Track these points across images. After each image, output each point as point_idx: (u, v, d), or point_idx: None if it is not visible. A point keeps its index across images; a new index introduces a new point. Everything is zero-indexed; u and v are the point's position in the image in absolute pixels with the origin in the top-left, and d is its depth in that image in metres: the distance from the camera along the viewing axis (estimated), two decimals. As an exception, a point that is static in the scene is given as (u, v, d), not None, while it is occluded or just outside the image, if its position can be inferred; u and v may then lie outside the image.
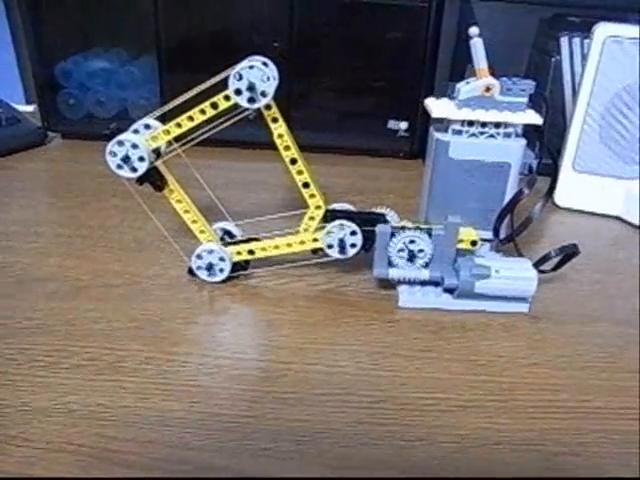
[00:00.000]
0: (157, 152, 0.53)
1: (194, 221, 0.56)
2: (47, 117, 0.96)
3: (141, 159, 0.51)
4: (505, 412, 0.43)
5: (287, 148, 0.53)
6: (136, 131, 0.53)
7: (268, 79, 0.49)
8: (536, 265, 0.56)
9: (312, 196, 0.55)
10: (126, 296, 0.54)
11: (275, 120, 0.52)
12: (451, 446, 0.40)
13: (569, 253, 0.57)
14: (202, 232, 0.56)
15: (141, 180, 0.53)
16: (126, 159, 0.51)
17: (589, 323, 0.54)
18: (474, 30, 0.53)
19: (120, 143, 0.51)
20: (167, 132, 0.52)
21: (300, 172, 0.54)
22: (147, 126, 0.53)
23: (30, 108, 1.03)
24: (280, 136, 0.52)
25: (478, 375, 0.47)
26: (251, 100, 0.50)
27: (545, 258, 0.58)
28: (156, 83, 0.93)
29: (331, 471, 0.37)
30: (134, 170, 0.51)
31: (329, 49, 0.91)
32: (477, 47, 0.53)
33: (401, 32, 0.89)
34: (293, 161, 0.53)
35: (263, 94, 0.49)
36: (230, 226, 0.60)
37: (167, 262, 0.60)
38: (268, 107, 0.51)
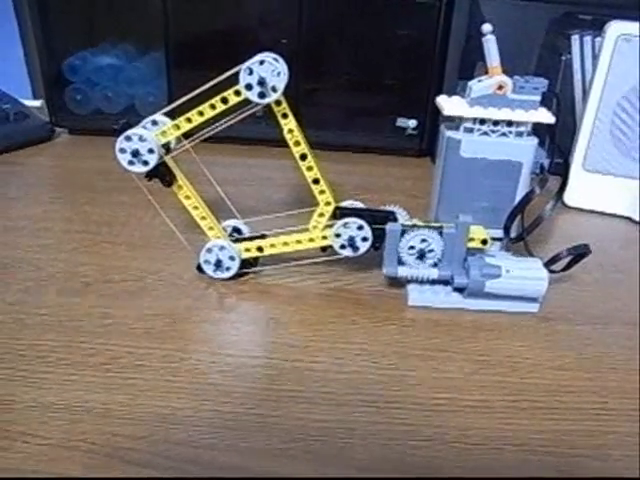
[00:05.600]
0: (167, 147, 0.53)
1: (203, 217, 0.55)
2: (54, 112, 0.96)
3: (151, 152, 0.51)
4: (517, 413, 0.43)
5: (297, 144, 0.52)
6: (150, 124, 0.53)
7: (279, 74, 0.49)
8: (547, 265, 0.55)
9: (322, 192, 0.55)
10: (134, 293, 0.54)
11: (285, 116, 0.52)
12: (462, 447, 0.39)
13: (580, 253, 0.57)
14: (211, 229, 0.56)
15: (150, 175, 0.53)
16: (136, 153, 0.51)
17: (600, 324, 0.54)
18: (487, 27, 0.52)
19: (129, 138, 0.50)
20: (177, 127, 0.52)
21: (310, 168, 0.53)
22: (156, 122, 0.53)
23: (37, 103, 1.03)
24: (290, 131, 0.52)
25: (488, 375, 0.46)
26: (262, 95, 0.49)
27: (556, 258, 0.57)
28: (164, 79, 0.93)
29: (340, 471, 0.37)
30: (144, 164, 0.51)
31: (338, 46, 0.91)
32: (490, 44, 0.52)
33: (410, 29, 0.88)
34: (303, 157, 0.53)
35: (274, 89, 0.49)
36: (239, 223, 0.60)
37: (175, 258, 0.60)
38: (278, 103, 0.51)
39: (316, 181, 0.54)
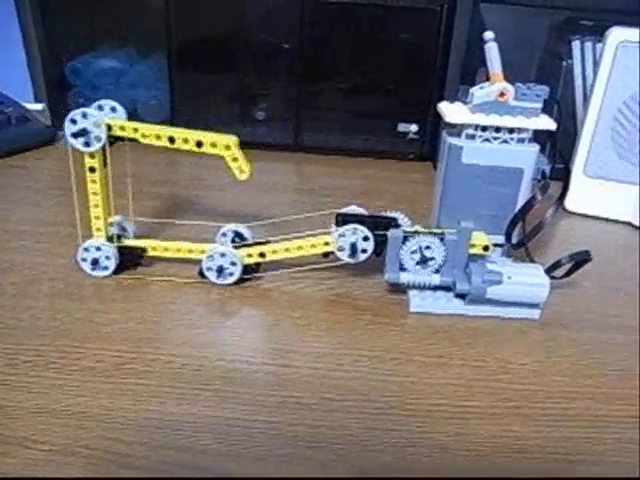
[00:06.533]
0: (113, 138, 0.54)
1: (97, 217, 0.56)
2: (56, 116, 0.96)
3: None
4: (518, 419, 0.43)
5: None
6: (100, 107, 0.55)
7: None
8: (548, 271, 0.56)
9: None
10: (136, 297, 0.54)
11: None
12: (464, 453, 0.39)
13: (581, 260, 0.57)
14: (99, 230, 0.56)
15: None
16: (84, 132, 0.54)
17: (601, 330, 0.54)
18: (489, 34, 0.52)
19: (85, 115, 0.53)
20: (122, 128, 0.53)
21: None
22: (115, 108, 0.55)
23: (39, 107, 1.03)
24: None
25: (490, 382, 0.46)
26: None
27: (557, 264, 0.57)
28: (166, 82, 0.93)
29: (338, 475, 0.37)
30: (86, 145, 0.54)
31: (339, 51, 0.91)
32: (492, 51, 0.53)
33: (412, 34, 0.88)
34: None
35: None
36: (240, 228, 0.60)
37: (177, 264, 0.60)
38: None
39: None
